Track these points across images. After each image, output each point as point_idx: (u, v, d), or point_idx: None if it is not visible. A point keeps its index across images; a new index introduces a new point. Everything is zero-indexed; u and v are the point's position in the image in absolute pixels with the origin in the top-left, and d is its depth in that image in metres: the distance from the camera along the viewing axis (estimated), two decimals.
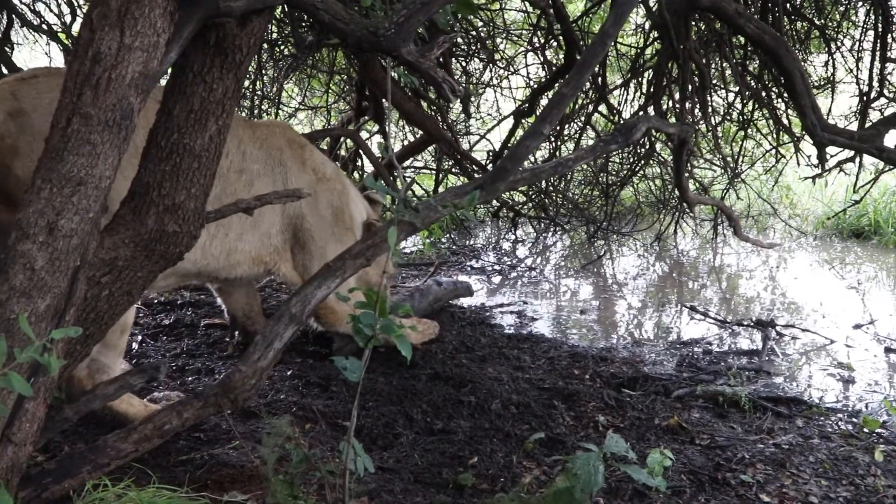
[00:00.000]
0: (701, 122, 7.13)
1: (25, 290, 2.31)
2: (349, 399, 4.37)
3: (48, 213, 2.33)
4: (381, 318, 2.78)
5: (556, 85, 7.76)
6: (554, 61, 8.32)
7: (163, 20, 2.47)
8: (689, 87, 6.40)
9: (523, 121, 8.15)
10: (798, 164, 7.92)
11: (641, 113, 7.52)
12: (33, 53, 7.48)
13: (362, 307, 2.81)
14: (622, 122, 7.78)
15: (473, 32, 7.98)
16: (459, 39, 7.97)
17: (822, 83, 7.60)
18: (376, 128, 8.69)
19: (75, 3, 6.71)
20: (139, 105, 2.46)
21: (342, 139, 8.79)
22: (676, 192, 8.71)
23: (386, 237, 3.00)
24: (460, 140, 8.58)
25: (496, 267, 8.61)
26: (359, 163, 9.35)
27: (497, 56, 8.68)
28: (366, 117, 8.11)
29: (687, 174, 5.91)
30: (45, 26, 6.44)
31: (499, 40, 8.70)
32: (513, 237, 10.12)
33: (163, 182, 2.73)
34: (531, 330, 6.29)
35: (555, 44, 7.92)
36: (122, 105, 2.40)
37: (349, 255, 3.09)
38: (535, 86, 8.28)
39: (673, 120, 6.91)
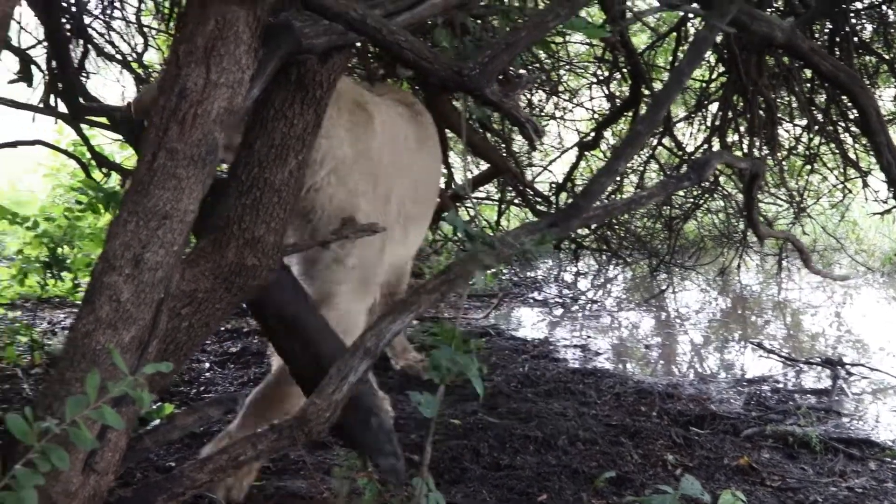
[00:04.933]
0: (768, 155, 7.07)
1: (111, 321, 2.34)
2: (416, 432, 4.37)
3: (134, 245, 2.37)
4: (458, 354, 2.78)
5: (622, 118, 7.75)
6: (617, 93, 8.30)
7: (247, 57, 2.52)
8: (756, 120, 6.36)
9: (587, 153, 8.14)
10: (865, 199, 7.81)
11: (711, 148, 7.48)
12: (105, 82, 7.61)
13: (439, 342, 2.82)
14: (686, 155, 7.76)
15: (538, 64, 7.99)
16: (523, 71, 7.98)
17: (891, 117, 7.50)
18: None
19: (147, 34, 6.84)
20: (223, 140, 2.51)
21: None
22: (742, 225, 8.65)
23: (462, 272, 3.00)
24: (525, 172, 8.54)
25: (558, 300, 8.57)
26: None
27: (560, 87, 8.68)
28: None
29: None
30: (119, 56, 6.55)
31: (562, 72, 8.69)
32: (574, 269, 10.07)
33: (243, 216, 2.77)
34: (595, 364, 6.24)
35: (619, 76, 7.90)
36: (207, 140, 2.44)
37: (424, 290, 3.09)
38: (600, 118, 8.26)
39: (738, 153, 6.86)
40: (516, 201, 8.88)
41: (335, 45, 2.74)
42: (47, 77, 5.90)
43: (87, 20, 6.26)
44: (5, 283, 6.52)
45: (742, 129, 6.89)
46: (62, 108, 5.94)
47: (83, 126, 6.05)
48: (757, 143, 6.79)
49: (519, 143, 8.89)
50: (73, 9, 5.92)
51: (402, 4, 2.71)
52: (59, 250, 5.76)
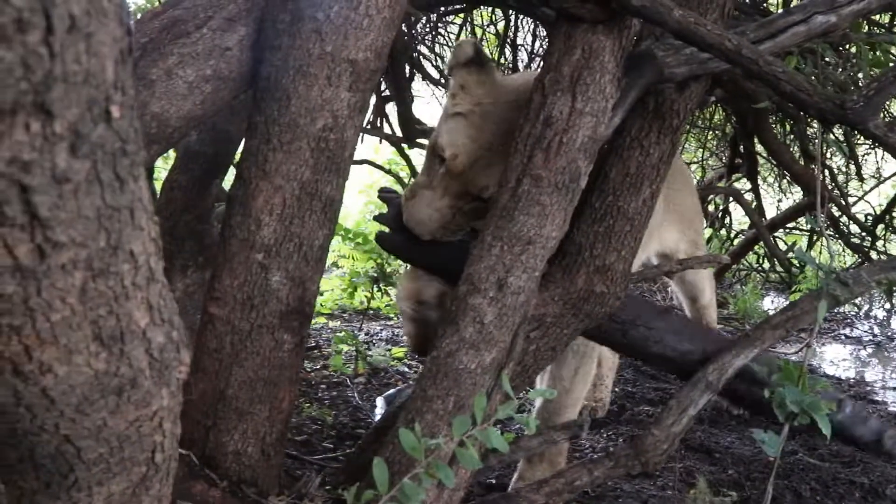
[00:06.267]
0: None
1: (474, 342, 2.42)
2: (734, 467, 4.25)
3: (498, 269, 2.44)
4: (804, 394, 2.71)
5: None
6: None
7: (611, 86, 2.54)
8: None
9: None
10: None
11: None
12: (420, 103, 7.89)
13: (784, 380, 2.75)
14: None
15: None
16: None
17: None
18: (747, 185, 8.47)
19: None
20: (586, 168, 2.54)
21: (710, 196, 8.70)
22: None
23: (809, 308, 2.90)
24: (848, 203, 8.12)
25: (871, 337, 8.12)
26: (727, 220, 9.18)
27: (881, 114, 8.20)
28: (737, 174, 7.98)
29: None
30: (443, 80, 6.78)
31: None
32: (888, 306, 9.49)
33: (595, 243, 2.78)
34: None
35: None
36: (570, 168, 2.48)
37: (768, 325, 3.00)
38: None
39: None
40: (828, 232, 8.48)
41: (694, 75, 2.71)
42: (375, 101, 6.23)
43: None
44: (332, 295, 6.88)
45: None
46: (387, 129, 6.23)
47: (404, 147, 6.32)
48: None
49: (835, 171, 8.51)
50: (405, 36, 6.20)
51: (763, 33, 2.65)
52: (386, 266, 6.01)
